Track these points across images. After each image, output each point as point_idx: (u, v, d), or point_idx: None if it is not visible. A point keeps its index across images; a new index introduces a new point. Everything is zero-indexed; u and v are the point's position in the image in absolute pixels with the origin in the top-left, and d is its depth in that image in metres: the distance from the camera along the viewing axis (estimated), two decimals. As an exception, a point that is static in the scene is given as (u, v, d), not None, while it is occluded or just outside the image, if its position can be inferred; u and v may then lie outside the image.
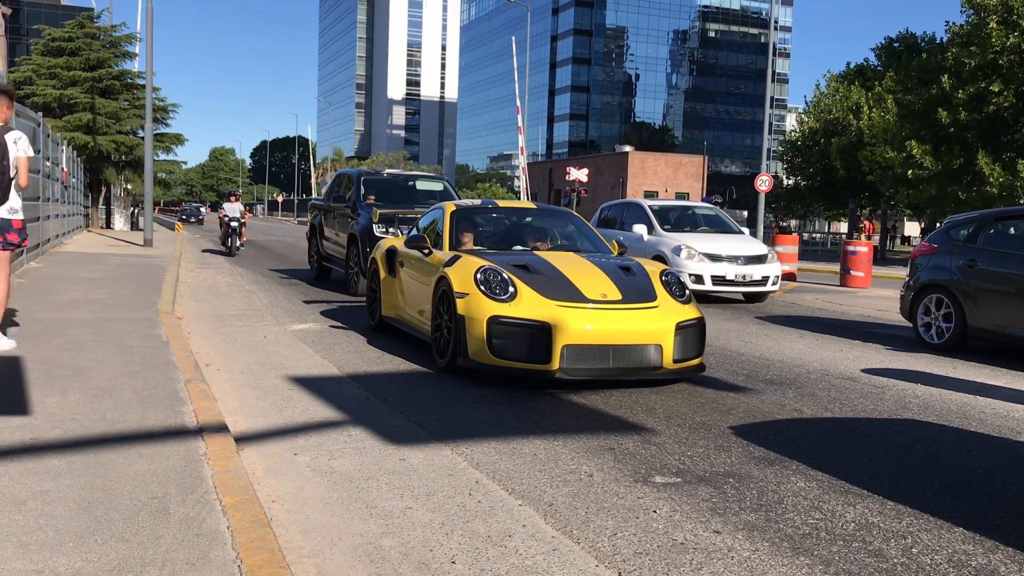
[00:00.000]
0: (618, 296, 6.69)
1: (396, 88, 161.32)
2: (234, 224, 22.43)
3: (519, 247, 8.26)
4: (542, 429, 5.40)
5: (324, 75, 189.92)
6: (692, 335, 6.78)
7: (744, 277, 13.72)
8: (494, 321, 6.49)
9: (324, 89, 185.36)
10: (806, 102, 49.97)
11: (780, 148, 52.55)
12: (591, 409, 6.02)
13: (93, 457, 4.17)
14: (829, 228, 74.12)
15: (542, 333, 6.37)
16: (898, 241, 50.17)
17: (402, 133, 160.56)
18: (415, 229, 9.17)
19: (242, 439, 4.96)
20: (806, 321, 11.82)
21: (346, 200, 14.23)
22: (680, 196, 56.02)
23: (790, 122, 77.66)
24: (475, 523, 3.77)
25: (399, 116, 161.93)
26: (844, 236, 45.83)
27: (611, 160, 66.63)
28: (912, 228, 60.02)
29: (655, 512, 3.98)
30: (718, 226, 15.76)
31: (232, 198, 23.46)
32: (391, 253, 9.17)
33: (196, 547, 3.14)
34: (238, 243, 22.81)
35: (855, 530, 3.81)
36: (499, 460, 4.74)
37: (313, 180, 80.00)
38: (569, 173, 45.50)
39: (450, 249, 7.98)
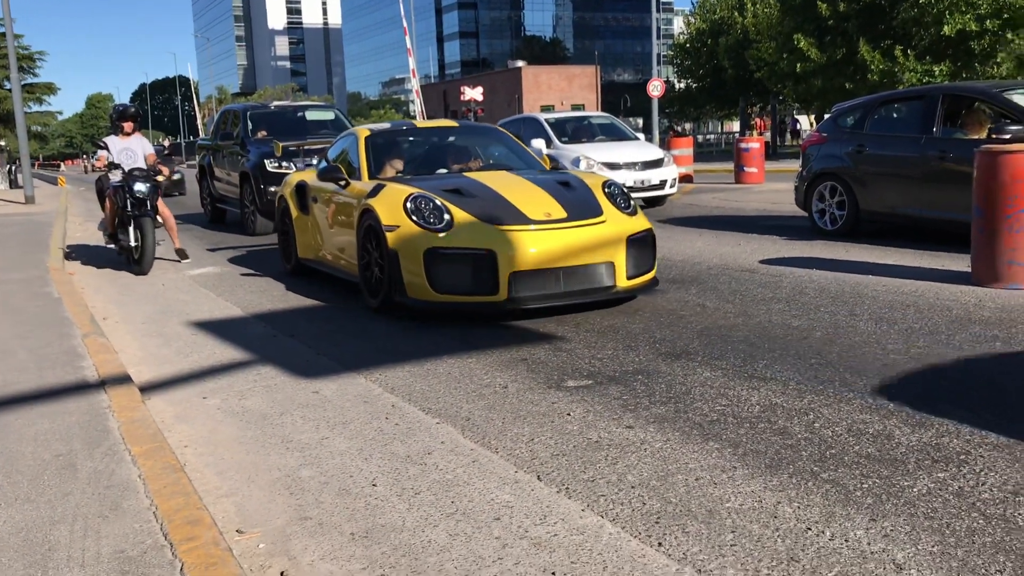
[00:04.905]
0: (562, 214, 6.17)
1: (276, 18, 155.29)
2: (141, 188, 9.17)
3: (443, 170, 7.60)
4: (455, 349, 5.42)
5: (199, 9, 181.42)
6: (644, 248, 6.40)
7: (643, 183, 13.87)
8: (431, 253, 5.97)
9: (201, 24, 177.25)
10: (692, 3, 50.10)
11: (670, 52, 52.75)
12: (502, 325, 6.05)
13: (-10, 422, 4.01)
14: (722, 128, 75.31)
15: (486, 261, 5.87)
16: (788, 136, 51.28)
17: (288, 64, 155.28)
18: (324, 161, 8.41)
19: (148, 388, 4.84)
20: (705, 220, 12.07)
21: (234, 137, 13.77)
22: (576, 108, 56.02)
23: (678, 25, 77.95)
24: (394, 445, 3.79)
25: (283, 47, 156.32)
26: (737, 135, 46.67)
27: (505, 77, 66.06)
28: (804, 122, 61.61)
29: (569, 415, 4.06)
30: (614, 134, 15.83)
31: (126, 126, 9.87)
32: (301, 188, 8.38)
33: (108, 499, 3.07)
34: (153, 240, 9.21)
35: (760, 412, 3.96)
36: (414, 382, 4.75)
37: (199, 121, 77.09)
38: (464, 93, 44.90)
39: (370, 179, 7.28)
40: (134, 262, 9.42)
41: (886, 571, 2.53)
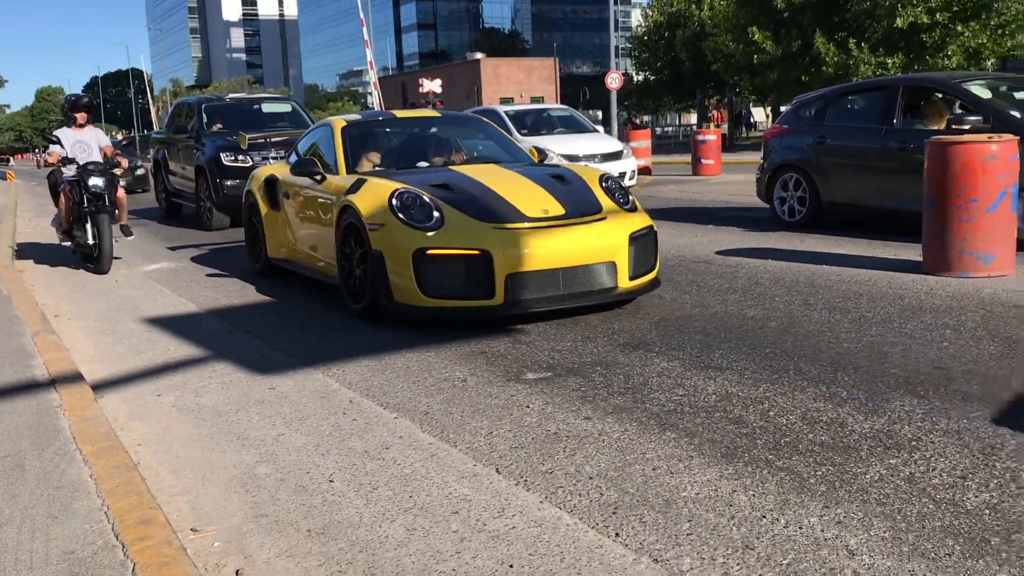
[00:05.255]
0: (560, 211, 5.77)
1: (231, 9, 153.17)
2: (97, 183, 8.78)
3: (424, 163, 7.13)
4: (414, 343, 5.39)
5: (152, 0, 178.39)
6: (646, 246, 5.98)
7: (602, 174, 13.91)
8: (421, 255, 5.51)
9: (154, 16, 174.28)
10: (649, -4, 50.28)
11: (628, 45, 52.95)
12: (461, 318, 6.03)
13: (-65, 423, 3.91)
14: (680, 120, 75.82)
15: (480, 263, 5.45)
16: (743, 129, 51.74)
17: (243, 56, 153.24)
18: (294, 154, 7.99)
19: (100, 386, 4.76)
20: (663, 212, 12.14)
21: (188, 130, 13.59)
22: (535, 100, 56.06)
23: (636, 17, 78.28)
24: (351, 440, 3.76)
25: (238, 39, 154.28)
26: (694, 127, 47.00)
27: (464, 69, 65.93)
28: (759, 114, 62.20)
29: (528, 407, 4.06)
30: (573, 127, 15.88)
31: (78, 116, 9.43)
32: (271, 183, 7.88)
33: (57, 500, 3.01)
34: (111, 238, 8.80)
35: (716, 401, 4.00)
36: (372, 377, 4.72)
37: (153, 114, 75.88)
38: (422, 85, 44.78)
39: (348, 173, 6.80)
40: (92, 261, 9.00)
41: (839, 557, 2.57)
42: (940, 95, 8.79)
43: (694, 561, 2.59)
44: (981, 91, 8.37)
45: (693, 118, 62.09)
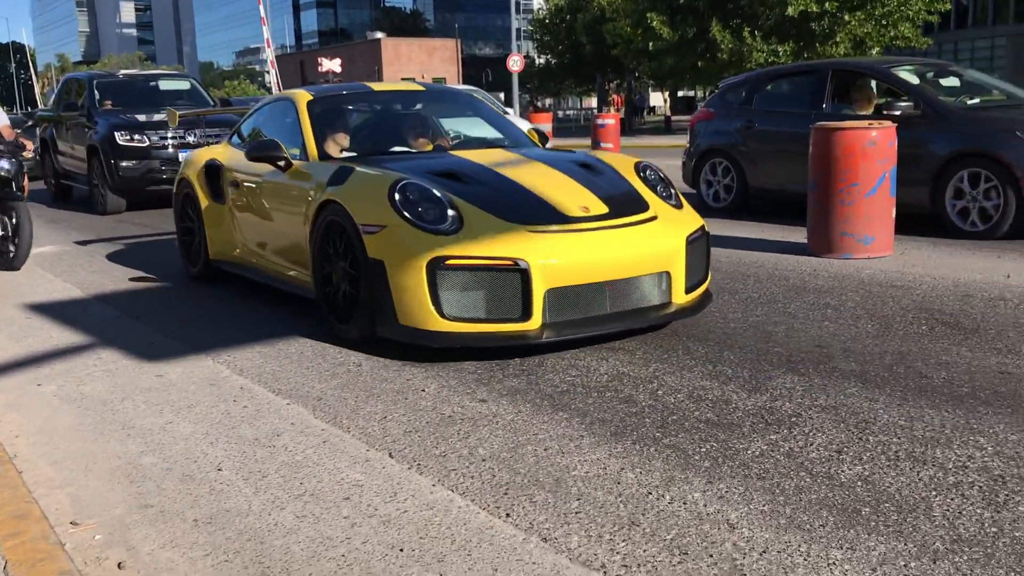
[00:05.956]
0: (603, 208, 4.69)
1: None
2: (5, 167, 7.64)
3: (401, 147, 5.95)
4: (308, 328, 5.32)
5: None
6: (699, 251, 4.95)
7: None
8: (437, 265, 4.33)
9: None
10: (550, -21, 50.42)
11: (530, 28, 53.09)
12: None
13: None
14: (581, 104, 76.49)
15: (514, 276, 4.32)
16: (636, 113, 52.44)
17: (134, 32, 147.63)
18: (236, 135, 6.83)
19: (-25, 377, 4.55)
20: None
21: (79, 108, 13.03)
22: (437, 81, 55.69)
23: (537, 0, 78.58)
24: (241, 428, 3.70)
25: (128, 13, 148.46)
26: (595, 111, 47.50)
27: (364, 48, 65.07)
28: (656, 99, 63.27)
29: (424, 391, 4.07)
30: (477, 108, 15.85)
31: None
32: (213, 170, 6.59)
33: (-76, 497, 2.88)
34: (31, 227, 7.80)
35: (608, 381, 4.08)
36: (264, 363, 4.64)
37: (38, 91, 72.45)
38: (321, 64, 44.03)
39: (321, 158, 5.54)
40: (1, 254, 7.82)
41: (720, 531, 2.66)
42: (869, 80, 8.72)
43: (582, 539, 2.64)
44: (910, 77, 8.36)
45: (594, 102, 62.72)
